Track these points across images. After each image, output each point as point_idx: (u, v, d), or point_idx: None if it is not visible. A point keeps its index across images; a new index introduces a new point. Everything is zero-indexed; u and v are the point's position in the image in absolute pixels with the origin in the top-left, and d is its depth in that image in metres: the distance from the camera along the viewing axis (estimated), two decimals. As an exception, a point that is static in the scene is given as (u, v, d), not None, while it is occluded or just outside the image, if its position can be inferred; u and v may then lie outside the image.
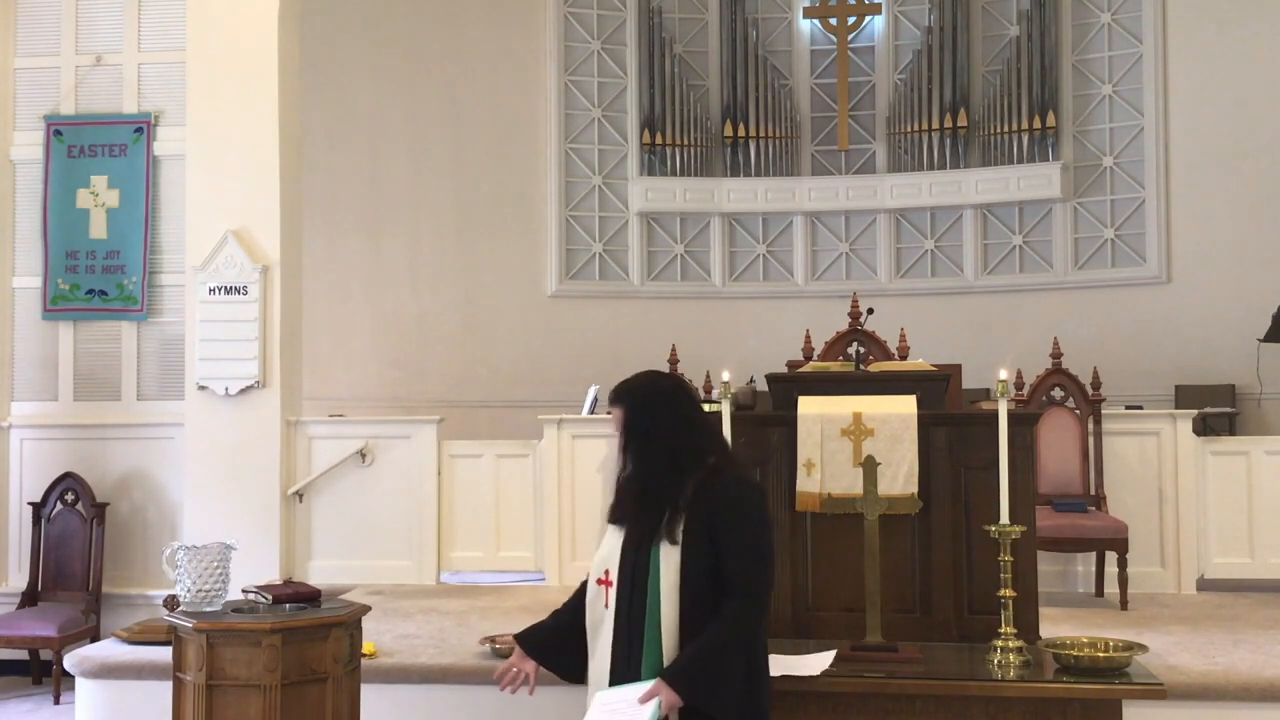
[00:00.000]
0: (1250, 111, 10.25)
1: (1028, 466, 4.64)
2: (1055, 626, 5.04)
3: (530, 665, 3.29)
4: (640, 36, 11.34)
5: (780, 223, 11.46)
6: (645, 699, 2.90)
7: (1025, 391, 6.49)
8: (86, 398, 7.40)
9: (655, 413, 3.13)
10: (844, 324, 6.30)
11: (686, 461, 3.07)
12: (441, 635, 5.22)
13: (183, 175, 7.22)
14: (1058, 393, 6.56)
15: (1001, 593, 4.07)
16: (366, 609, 3.90)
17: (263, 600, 3.81)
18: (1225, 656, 4.64)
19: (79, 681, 4.82)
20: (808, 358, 6.37)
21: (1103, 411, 6.53)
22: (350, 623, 3.75)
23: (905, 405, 4.65)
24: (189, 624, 3.56)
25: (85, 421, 7.33)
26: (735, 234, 11.49)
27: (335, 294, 10.28)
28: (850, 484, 4.46)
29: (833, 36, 11.51)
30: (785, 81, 11.54)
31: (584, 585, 3.24)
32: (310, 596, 3.85)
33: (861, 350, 6.08)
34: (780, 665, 3.80)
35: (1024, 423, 4.62)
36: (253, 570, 6.00)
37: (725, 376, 4.50)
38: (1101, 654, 4.07)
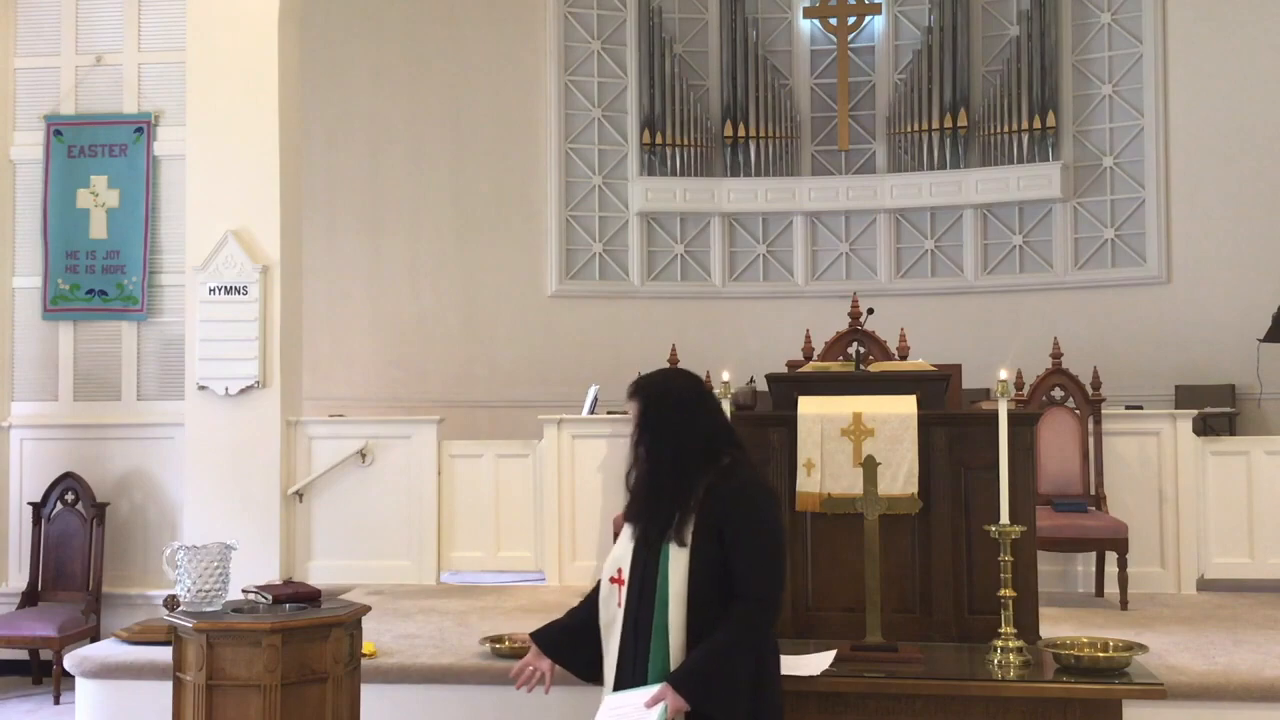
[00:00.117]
0: (1250, 112, 10.25)
1: (1028, 466, 4.64)
2: (1055, 626, 5.04)
3: (546, 664, 3.27)
4: (640, 36, 11.35)
5: (780, 223, 11.46)
6: (651, 703, 2.87)
7: (1025, 391, 6.49)
8: (86, 398, 7.41)
9: (670, 409, 3.09)
10: (844, 324, 6.30)
11: (698, 461, 3.03)
12: (441, 635, 5.22)
13: (183, 175, 7.22)
14: (1058, 393, 6.56)
15: (1001, 593, 4.07)
16: (366, 609, 3.90)
17: (263, 600, 3.81)
18: (1225, 656, 4.64)
19: (79, 681, 4.82)
20: (808, 358, 6.37)
21: (1103, 411, 6.53)
22: (350, 623, 3.75)
23: (905, 405, 4.65)
24: (189, 624, 3.56)
25: (85, 421, 7.33)
26: (735, 234, 11.49)
27: (335, 294, 10.28)
28: (850, 484, 4.46)
29: (833, 36, 11.52)
30: (785, 81, 11.54)
31: (600, 583, 3.22)
32: (310, 596, 3.85)
33: (861, 350, 6.08)
34: (780, 665, 3.79)
35: (1024, 423, 4.62)
36: (253, 570, 6.00)
37: (725, 376, 4.50)
38: (1101, 654, 4.07)
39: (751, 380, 6.80)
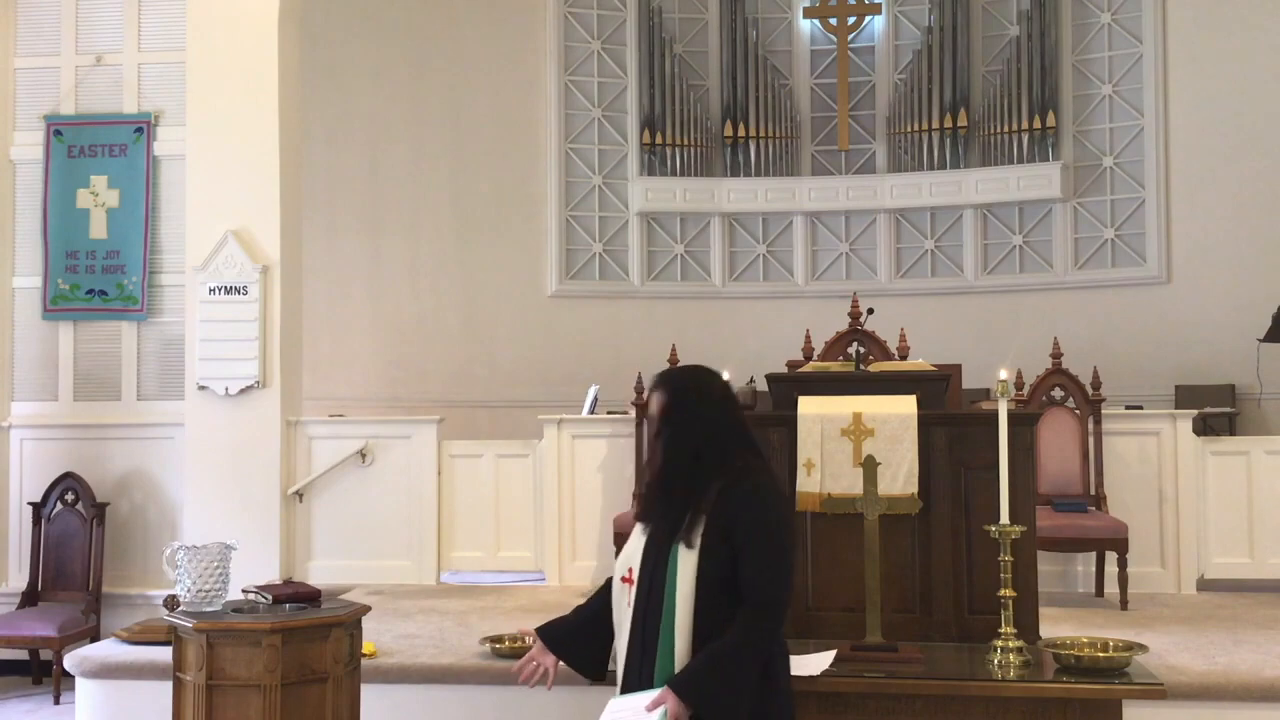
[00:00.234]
0: (1250, 111, 10.25)
1: (1028, 466, 4.64)
2: (1055, 626, 5.04)
3: (550, 659, 3.24)
4: (640, 36, 11.35)
5: (780, 223, 11.46)
6: (652, 706, 2.84)
7: (1025, 391, 6.49)
8: (86, 398, 7.41)
9: (695, 406, 3.06)
10: (844, 324, 6.30)
11: (716, 460, 3.00)
12: (441, 635, 5.22)
13: (183, 175, 7.22)
14: (1058, 393, 6.56)
15: (1001, 593, 4.06)
16: (366, 609, 3.90)
17: (263, 600, 3.81)
18: (1225, 656, 4.64)
19: (79, 681, 4.82)
20: (808, 358, 6.37)
21: (1103, 411, 6.53)
22: (350, 623, 3.75)
23: (905, 405, 4.64)
24: (189, 624, 3.56)
25: (85, 421, 7.33)
26: (735, 234, 11.49)
27: (335, 294, 10.28)
28: (850, 484, 4.46)
29: (833, 36, 11.52)
30: (785, 81, 11.54)
31: (607, 582, 3.21)
32: (310, 596, 3.84)
33: (861, 350, 6.08)
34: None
35: (1024, 423, 4.62)
36: (253, 570, 6.00)
37: (725, 376, 4.49)
38: (1101, 654, 4.07)
39: (751, 380, 6.79)
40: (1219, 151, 10.35)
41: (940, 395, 4.94)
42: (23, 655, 6.80)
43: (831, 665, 3.96)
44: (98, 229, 7.44)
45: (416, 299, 10.88)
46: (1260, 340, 9.02)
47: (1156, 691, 3.92)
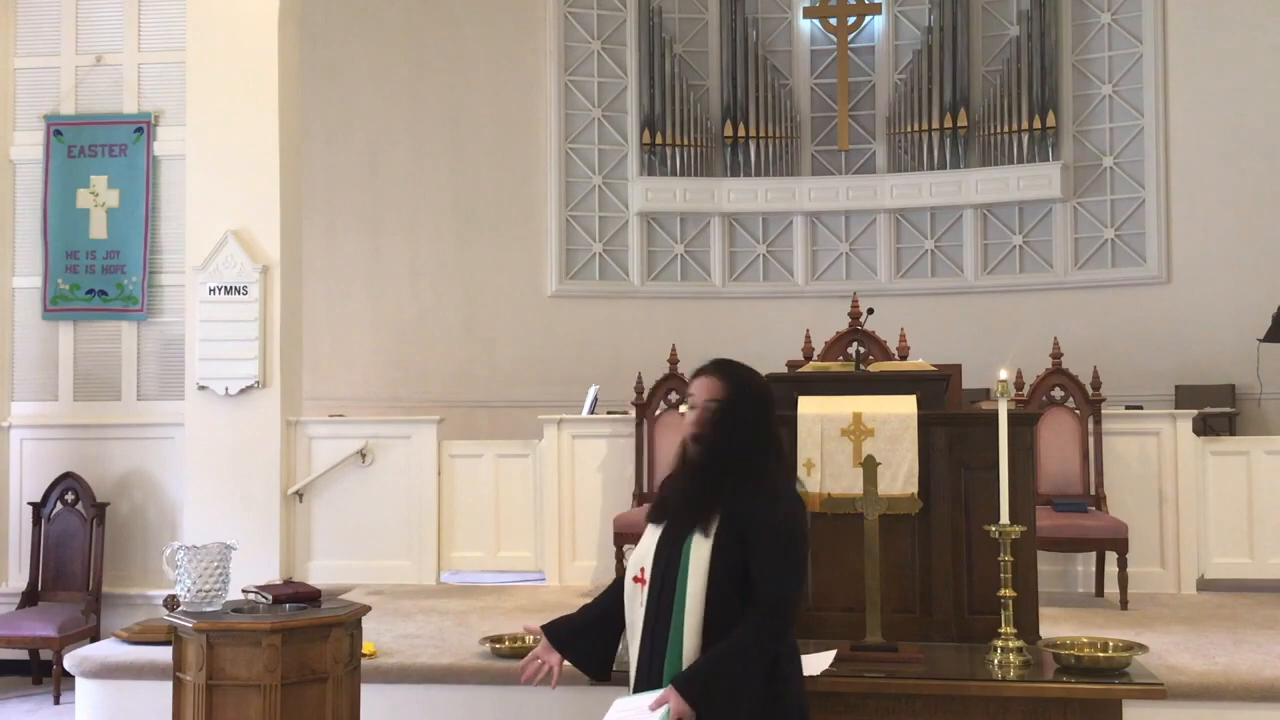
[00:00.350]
0: (1250, 111, 10.25)
1: (1028, 466, 4.64)
2: (1055, 626, 5.04)
3: (555, 658, 3.22)
4: (640, 36, 11.35)
5: (780, 223, 11.46)
6: (655, 705, 2.83)
7: (1025, 391, 6.49)
8: (86, 398, 7.41)
9: (751, 404, 3.04)
10: (844, 324, 6.29)
11: (747, 460, 2.98)
12: (441, 635, 5.22)
13: (183, 175, 7.22)
14: (1058, 393, 6.56)
15: (1001, 593, 4.07)
16: (366, 609, 3.90)
17: (263, 600, 3.81)
18: (1225, 656, 4.64)
19: (79, 681, 4.82)
20: (808, 358, 6.37)
21: (1103, 411, 6.52)
22: (350, 623, 3.75)
23: (905, 405, 4.64)
24: (189, 624, 3.56)
25: (85, 421, 7.33)
26: (735, 234, 11.49)
27: (335, 294, 10.28)
28: (850, 484, 4.46)
29: (833, 36, 11.52)
30: (785, 81, 11.54)
31: (616, 582, 3.20)
32: (310, 596, 3.85)
33: (861, 350, 6.07)
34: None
35: (1024, 423, 4.61)
36: (253, 570, 6.00)
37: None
38: (1101, 654, 4.07)
39: (751, 380, 6.78)
40: (1219, 151, 10.35)
41: (940, 395, 4.94)
42: (23, 655, 6.80)
43: (831, 665, 3.96)
44: (98, 229, 7.44)
45: (416, 299, 10.88)
46: (1260, 340, 9.02)
47: (1156, 691, 3.93)
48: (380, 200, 10.83)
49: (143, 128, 7.44)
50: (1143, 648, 4.15)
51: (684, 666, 2.89)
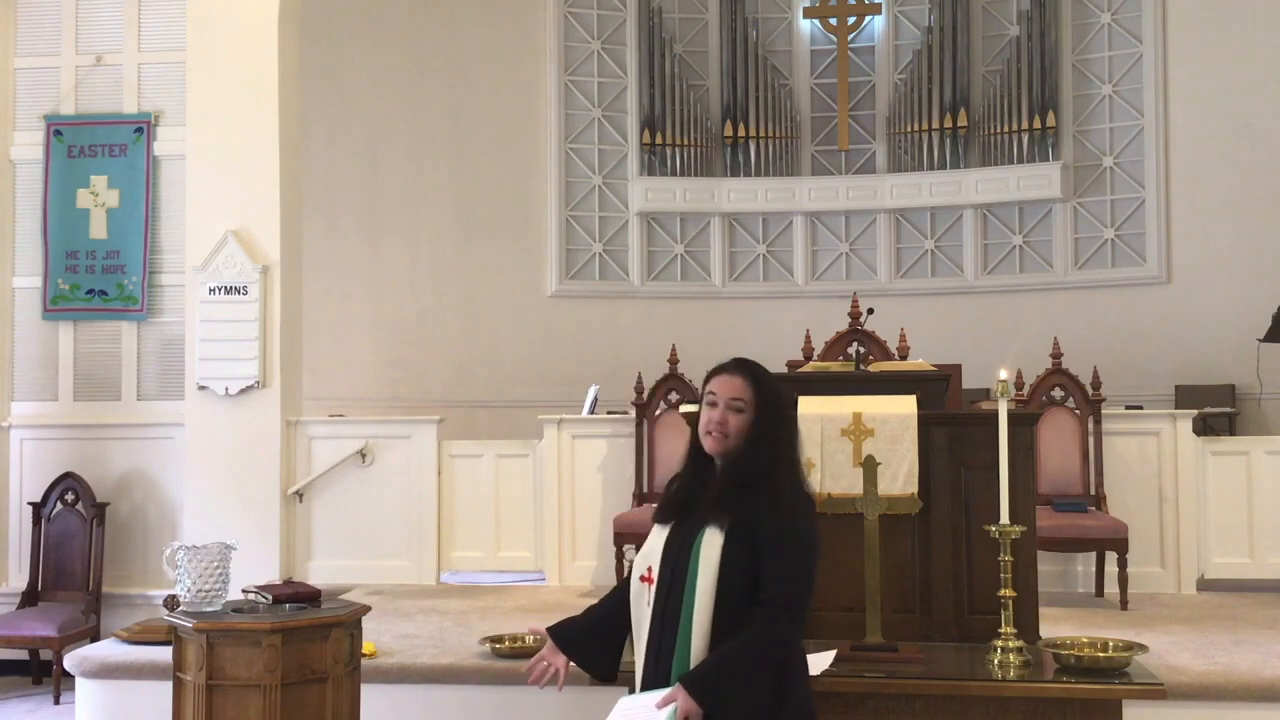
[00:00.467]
0: (1250, 111, 10.25)
1: (1028, 466, 4.64)
2: (1055, 626, 5.04)
3: (561, 660, 3.18)
4: (640, 36, 11.35)
5: (780, 223, 11.46)
6: (663, 703, 2.81)
7: (1025, 391, 6.49)
8: (86, 398, 7.41)
9: (780, 410, 3.04)
10: (844, 324, 6.30)
11: (773, 460, 2.98)
12: (441, 635, 5.22)
13: (183, 175, 7.22)
14: (1058, 393, 6.56)
15: (1001, 593, 4.06)
16: (366, 609, 3.90)
17: (263, 600, 3.81)
18: (1225, 656, 4.64)
19: (79, 681, 4.82)
20: (808, 358, 6.37)
21: (1103, 411, 6.53)
22: (350, 623, 3.75)
23: (905, 405, 4.64)
24: (189, 624, 3.56)
25: (85, 421, 7.34)
26: (735, 234, 11.49)
27: (335, 294, 10.28)
28: (850, 484, 4.46)
29: (833, 36, 11.52)
30: (785, 81, 11.54)
31: (623, 583, 3.18)
32: (310, 596, 3.85)
33: (861, 350, 6.08)
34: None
35: (1024, 423, 4.61)
36: (253, 570, 6.01)
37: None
38: (1101, 654, 4.07)
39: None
40: (1219, 151, 10.35)
41: (940, 395, 4.94)
42: (23, 655, 6.80)
43: (831, 665, 3.96)
44: (98, 229, 7.44)
45: (416, 299, 10.88)
46: (1260, 340, 9.02)
47: (1156, 691, 3.92)
48: (380, 200, 10.83)
49: (143, 128, 7.44)
50: (1143, 648, 4.15)
51: (692, 666, 2.87)
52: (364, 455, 7.03)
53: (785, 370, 5.77)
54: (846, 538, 4.42)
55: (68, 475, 7.08)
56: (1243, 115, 10.26)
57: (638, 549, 5.61)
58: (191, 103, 7.15)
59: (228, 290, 6.99)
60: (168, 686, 3.76)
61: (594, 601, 3.31)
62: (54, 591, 6.94)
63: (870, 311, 6.36)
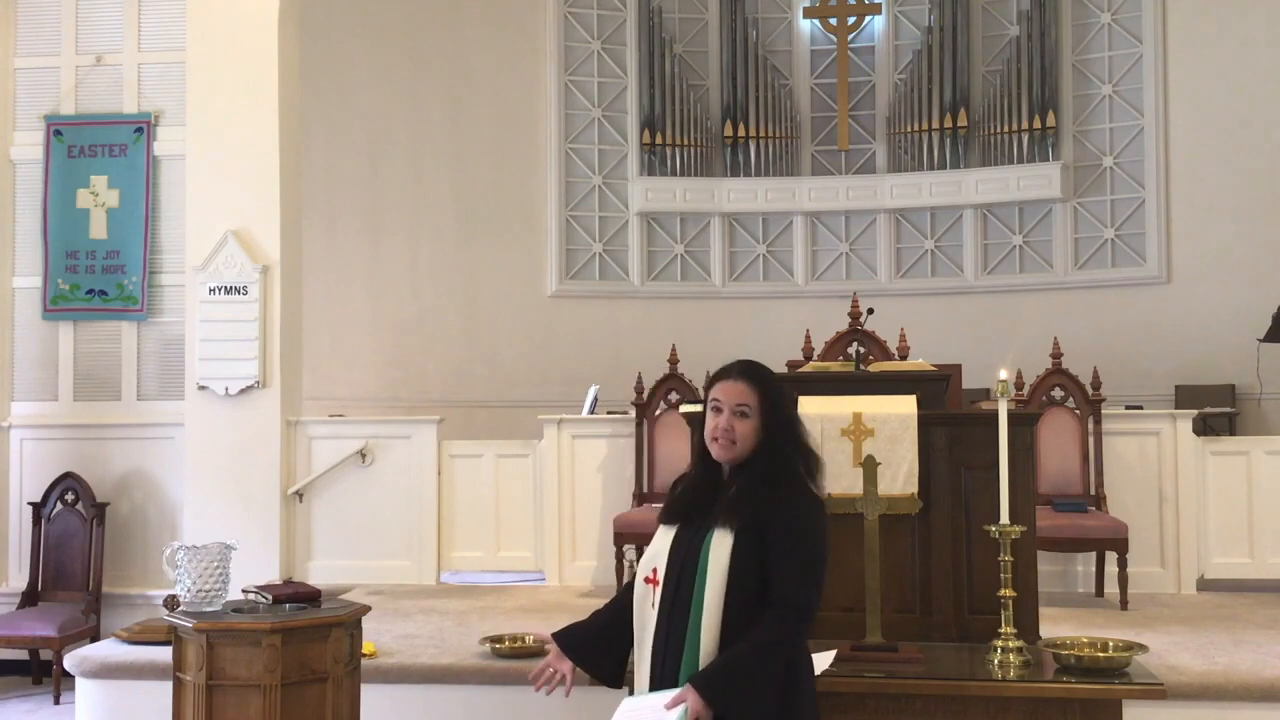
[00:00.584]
0: (1250, 112, 10.25)
1: (1028, 466, 4.64)
2: (1055, 626, 5.04)
3: (567, 665, 3.16)
4: (640, 36, 11.35)
5: (780, 223, 11.46)
6: (672, 704, 2.79)
7: (1025, 391, 6.49)
8: (86, 398, 7.41)
9: (785, 409, 3.04)
10: (844, 324, 6.30)
11: (781, 462, 2.98)
12: (441, 635, 5.22)
13: (183, 175, 7.22)
14: (1058, 393, 6.56)
15: (1001, 593, 4.06)
16: (366, 609, 3.90)
17: (263, 600, 3.81)
18: (1225, 656, 4.64)
19: (79, 681, 4.82)
20: (808, 358, 6.37)
21: (1103, 411, 6.53)
22: (350, 623, 3.75)
23: (905, 405, 4.64)
24: (189, 624, 3.56)
25: (85, 421, 7.34)
26: (735, 234, 11.49)
27: (335, 294, 10.28)
28: (850, 484, 4.45)
29: (833, 36, 11.52)
30: (785, 81, 11.54)
31: (627, 586, 3.17)
32: (310, 596, 3.85)
33: (861, 350, 6.07)
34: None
35: (1024, 423, 4.62)
36: (253, 570, 6.01)
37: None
38: (1101, 654, 4.07)
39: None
40: (1219, 151, 10.35)
41: (940, 395, 4.94)
42: (23, 655, 6.80)
43: (831, 665, 3.96)
44: (98, 229, 7.44)
45: (416, 299, 10.88)
46: (1260, 340, 9.03)
47: (1156, 691, 3.92)
48: (380, 200, 10.83)
49: (143, 128, 7.44)
50: (1143, 648, 4.15)
51: (701, 666, 2.85)
52: (364, 455, 7.03)
53: (785, 370, 5.77)
54: (846, 538, 4.41)
55: (68, 475, 7.08)
56: (1243, 115, 10.26)
57: (638, 549, 5.61)
58: (191, 103, 7.15)
59: (228, 290, 6.99)
60: (168, 686, 3.76)
61: (594, 601, 3.31)
62: (54, 591, 6.94)
63: (870, 311, 6.36)
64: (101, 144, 7.45)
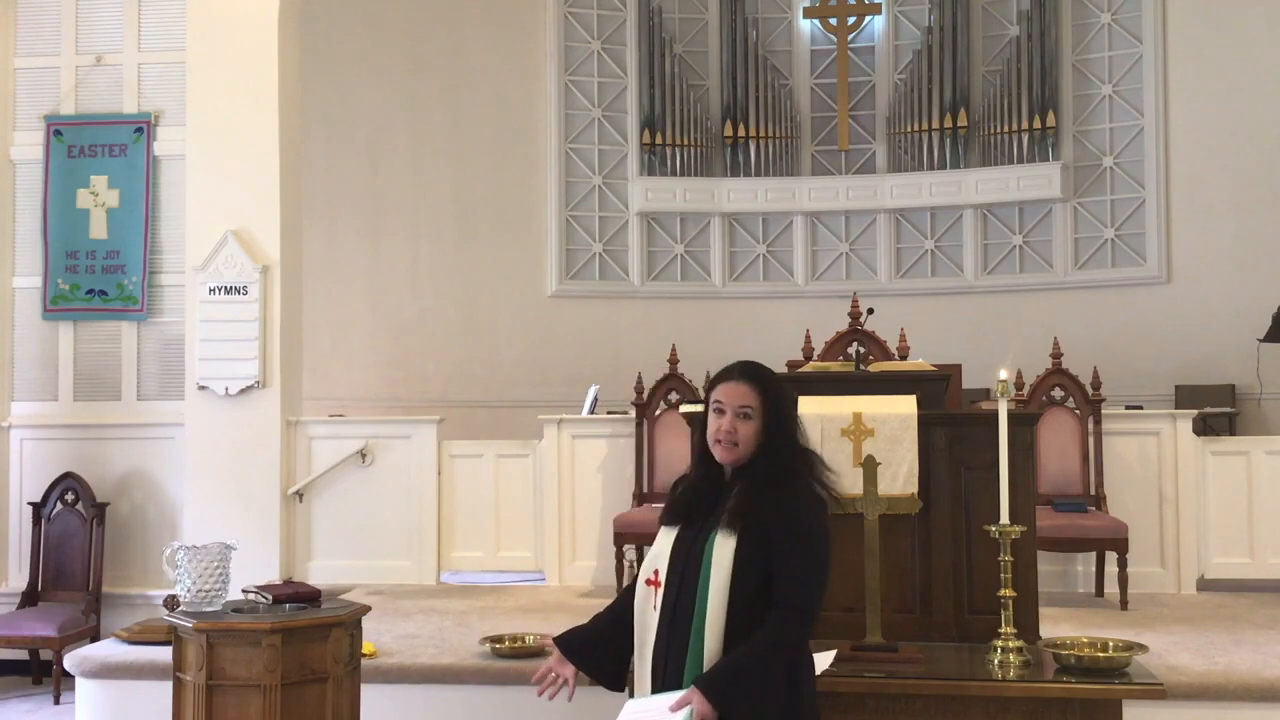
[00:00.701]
0: (1250, 112, 10.25)
1: (1028, 466, 4.64)
2: (1055, 626, 5.04)
3: (569, 669, 3.15)
4: (640, 36, 11.35)
5: (780, 223, 11.46)
6: (677, 707, 2.78)
7: (1025, 391, 6.49)
8: (86, 398, 7.41)
9: (780, 409, 3.03)
10: (844, 324, 6.30)
11: (784, 463, 2.98)
12: (441, 635, 5.22)
13: (183, 175, 7.22)
14: (1058, 393, 6.56)
15: (1001, 593, 4.06)
16: (366, 609, 3.90)
17: (263, 600, 3.81)
18: (1225, 656, 4.64)
19: (79, 681, 4.82)
20: (808, 358, 6.37)
21: (1103, 411, 6.53)
22: (350, 623, 3.75)
23: (905, 405, 4.64)
24: (189, 624, 3.56)
25: (85, 421, 7.33)
26: (735, 234, 11.49)
27: (335, 294, 10.28)
28: (850, 484, 4.44)
29: (833, 36, 11.52)
30: (785, 81, 11.54)
31: (628, 589, 3.16)
32: (310, 596, 3.85)
33: (861, 350, 6.07)
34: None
35: (1024, 423, 4.62)
36: (253, 570, 6.00)
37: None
38: (1101, 654, 4.07)
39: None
40: (1219, 151, 10.35)
41: (940, 395, 4.94)
42: (23, 655, 6.80)
43: (831, 665, 3.96)
44: (98, 229, 7.44)
45: (416, 299, 10.88)
46: (1260, 340, 9.03)
47: (1156, 691, 3.92)
48: (380, 200, 10.83)
49: (143, 128, 7.44)
50: (1143, 648, 4.15)
51: (705, 668, 2.84)
52: (364, 455, 7.03)
53: (785, 370, 5.77)
54: (846, 538, 4.41)
55: (68, 475, 7.08)
56: (1243, 115, 10.26)
57: (638, 549, 5.62)
58: (191, 103, 7.15)
59: (228, 290, 6.99)
60: (168, 686, 3.76)
61: (594, 601, 3.31)
62: (54, 591, 6.94)
63: (870, 311, 6.36)
64: (101, 144, 7.45)
